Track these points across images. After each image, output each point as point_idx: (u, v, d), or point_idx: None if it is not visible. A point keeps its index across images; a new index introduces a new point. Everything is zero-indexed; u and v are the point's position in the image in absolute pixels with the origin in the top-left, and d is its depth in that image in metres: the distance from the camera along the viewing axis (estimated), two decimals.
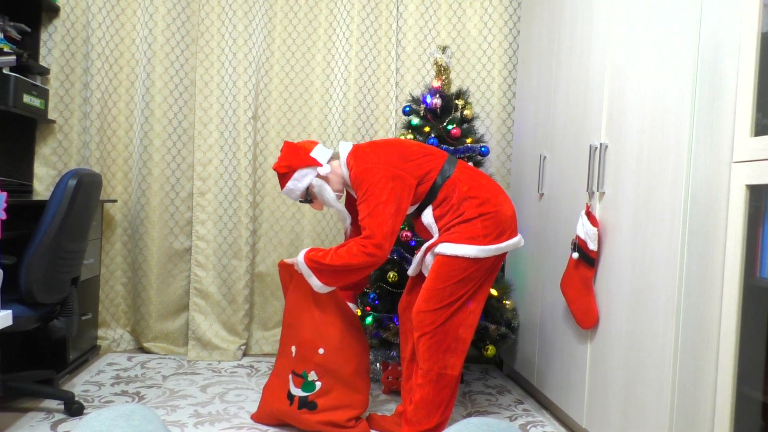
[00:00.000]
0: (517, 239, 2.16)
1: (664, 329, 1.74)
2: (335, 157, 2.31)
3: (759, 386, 1.49)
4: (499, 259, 2.14)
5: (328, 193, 2.23)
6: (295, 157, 2.24)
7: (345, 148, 2.24)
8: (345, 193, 2.34)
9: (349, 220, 2.37)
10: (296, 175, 2.23)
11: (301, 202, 2.31)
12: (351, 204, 2.41)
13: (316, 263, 2.12)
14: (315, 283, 2.15)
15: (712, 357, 1.67)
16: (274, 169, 2.27)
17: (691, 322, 1.68)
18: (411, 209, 2.22)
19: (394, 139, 2.24)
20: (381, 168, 2.09)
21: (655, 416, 1.76)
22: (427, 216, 2.16)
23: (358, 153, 2.17)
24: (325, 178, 2.24)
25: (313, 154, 2.24)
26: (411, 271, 2.30)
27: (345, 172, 2.20)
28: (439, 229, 2.14)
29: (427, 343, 2.08)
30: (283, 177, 2.25)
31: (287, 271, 2.31)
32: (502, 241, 2.10)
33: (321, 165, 2.23)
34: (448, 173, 2.14)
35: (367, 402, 2.27)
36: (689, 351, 1.69)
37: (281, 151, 2.28)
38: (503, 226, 2.11)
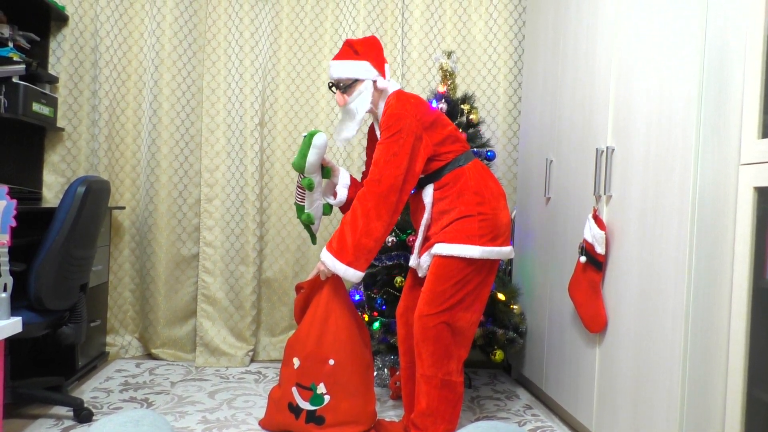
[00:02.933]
0: (509, 249, 2.16)
1: (673, 332, 1.73)
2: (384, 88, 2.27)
3: None
4: (493, 267, 2.13)
5: (365, 102, 2.18)
6: (376, 53, 2.20)
7: (393, 86, 2.22)
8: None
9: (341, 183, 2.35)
10: (361, 63, 2.18)
11: (329, 87, 2.25)
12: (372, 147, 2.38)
13: (333, 241, 2.09)
14: (340, 267, 2.08)
15: (722, 360, 1.66)
16: (346, 42, 2.22)
17: (700, 324, 1.67)
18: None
19: (438, 110, 2.22)
20: (413, 122, 2.07)
21: (665, 420, 1.75)
22: (428, 195, 2.15)
23: (401, 97, 2.14)
24: (375, 90, 2.20)
25: (387, 69, 2.24)
26: (412, 260, 2.28)
27: (381, 108, 2.18)
28: (433, 213, 2.14)
29: (430, 349, 2.06)
30: (346, 53, 2.20)
31: (302, 298, 2.30)
32: (496, 245, 2.09)
33: (384, 77, 2.21)
34: (461, 163, 2.14)
35: (375, 415, 2.26)
36: (699, 354, 1.68)
37: (366, 38, 2.25)
38: (498, 231, 2.10)
